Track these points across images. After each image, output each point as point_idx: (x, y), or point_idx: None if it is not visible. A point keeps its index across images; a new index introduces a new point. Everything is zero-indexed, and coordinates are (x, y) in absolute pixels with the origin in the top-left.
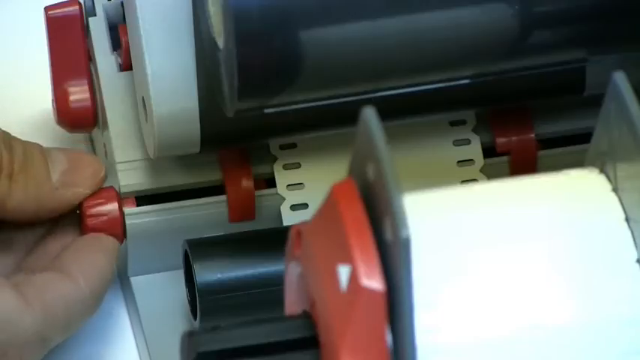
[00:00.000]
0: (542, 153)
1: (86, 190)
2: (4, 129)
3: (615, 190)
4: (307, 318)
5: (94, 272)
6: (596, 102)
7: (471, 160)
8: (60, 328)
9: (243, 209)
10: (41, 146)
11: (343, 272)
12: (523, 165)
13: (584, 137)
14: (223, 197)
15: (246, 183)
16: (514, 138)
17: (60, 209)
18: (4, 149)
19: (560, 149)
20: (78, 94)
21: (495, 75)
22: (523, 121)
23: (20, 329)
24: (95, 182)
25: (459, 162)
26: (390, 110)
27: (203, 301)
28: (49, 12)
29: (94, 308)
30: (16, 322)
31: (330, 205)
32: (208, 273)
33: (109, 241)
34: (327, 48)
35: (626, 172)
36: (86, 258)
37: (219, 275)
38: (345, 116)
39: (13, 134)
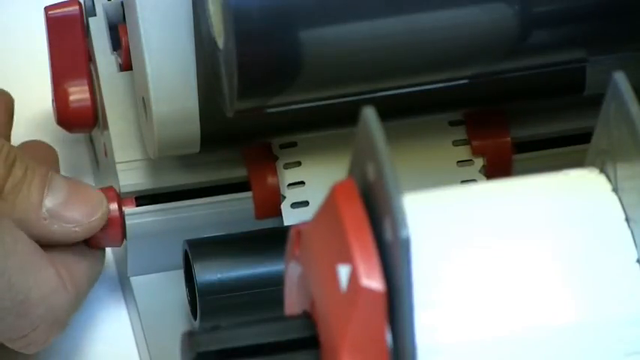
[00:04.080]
0: (517, 157)
1: (76, 228)
2: None
3: (615, 190)
4: (307, 318)
5: None
6: (590, 102)
7: (471, 160)
8: (80, 304)
9: (270, 206)
10: (47, 172)
11: (343, 272)
12: (498, 168)
13: (561, 141)
14: (223, 197)
15: (272, 179)
16: (489, 141)
17: (45, 239)
18: (2, 166)
19: (536, 153)
20: (78, 94)
21: (495, 75)
22: (499, 124)
23: (56, 307)
24: (88, 223)
25: (458, 162)
26: (390, 110)
27: (203, 301)
28: (49, 12)
29: (98, 276)
30: (55, 299)
31: (330, 204)
32: (208, 273)
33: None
34: (327, 48)
35: (626, 172)
36: None
37: (219, 275)
38: (345, 116)
39: (13, 134)
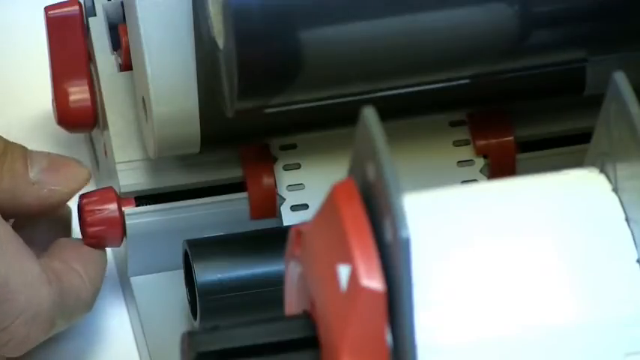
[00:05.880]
0: (521, 156)
1: (64, 189)
2: (4, 129)
3: (615, 190)
4: (307, 318)
5: (93, 270)
6: (592, 102)
7: (471, 160)
8: (66, 316)
9: (265, 206)
10: (24, 147)
11: (343, 272)
12: (501, 168)
13: (564, 140)
14: (223, 197)
15: (268, 180)
16: (493, 140)
17: (37, 206)
18: None
19: (540, 152)
20: (78, 94)
21: (495, 75)
22: (502, 123)
23: (38, 297)
24: (75, 183)
25: (459, 162)
26: (390, 110)
27: (203, 301)
28: (49, 12)
29: (92, 305)
30: (37, 289)
31: (330, 205)
32: (208, 273)
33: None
34: (327, 48)
35: (626, 172)
36: (85, 255)
37: (219, 275)
38: (345, 116)
39: (13, 134)
